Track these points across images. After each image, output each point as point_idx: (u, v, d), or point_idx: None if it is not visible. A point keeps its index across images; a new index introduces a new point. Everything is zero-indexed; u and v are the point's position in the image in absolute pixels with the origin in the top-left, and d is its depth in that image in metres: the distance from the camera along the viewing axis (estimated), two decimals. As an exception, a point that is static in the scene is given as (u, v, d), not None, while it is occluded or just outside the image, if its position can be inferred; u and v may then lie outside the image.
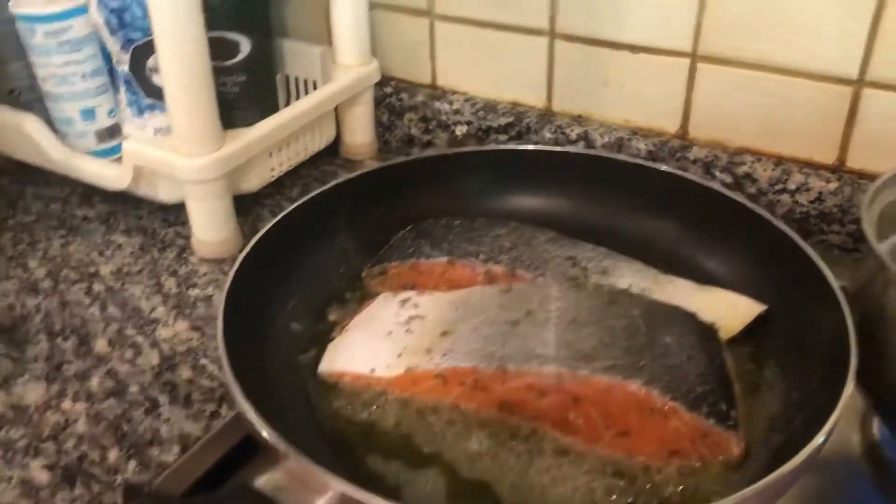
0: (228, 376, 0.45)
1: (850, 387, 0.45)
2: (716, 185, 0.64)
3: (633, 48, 0.76)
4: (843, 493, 0.54)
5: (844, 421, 0.55)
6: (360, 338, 0.56)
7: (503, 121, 0.84)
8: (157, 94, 0.76)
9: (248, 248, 0.56)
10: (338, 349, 0.56)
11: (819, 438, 0.43)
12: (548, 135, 0.82)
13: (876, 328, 0.49)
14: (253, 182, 0.78)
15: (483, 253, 0.60)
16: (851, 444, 0.56)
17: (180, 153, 0.70)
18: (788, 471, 0.41)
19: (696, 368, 0.49)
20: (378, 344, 0.54)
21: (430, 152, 0.81)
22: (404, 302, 0.57)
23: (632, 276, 0.58)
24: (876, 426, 0.57)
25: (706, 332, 0.52)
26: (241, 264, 0.55)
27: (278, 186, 0.84)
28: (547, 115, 0.83)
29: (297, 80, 0.93)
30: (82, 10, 0.76)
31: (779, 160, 0.74)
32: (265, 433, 0.41)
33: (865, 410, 0.57)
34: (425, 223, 0.64)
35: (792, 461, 0.42)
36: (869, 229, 0.49)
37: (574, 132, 0.81)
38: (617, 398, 0.49)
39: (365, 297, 0.61)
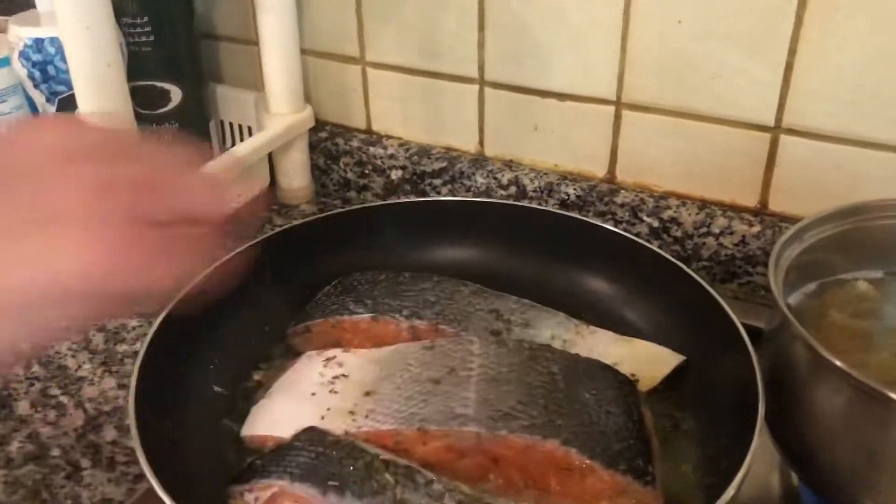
0: (140, 455, 0.45)
1: (756, 441, 0.46)
2: (635, 237, 0.65)
3: (560, 96, 0.78)
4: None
5: (762, 468, 0.57)
6: (283, 400, 0.55)
7: (437, 165, 0.85)
8: (84, 146, 0.75)
9: (168, 308, 0.56)
10: (260, 413, 0.55)
11: (729, 492, 0.44)
12: (480, 179, 0.83)
13: (784, 378, 0.51)
14: (183, 233, 0.77)
15: (407, 308, 0.60)
16: (771, 491, 0.57)
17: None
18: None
19: (614, 425, 0.50)
20: (301, 406, 0.54)
21: (354, 205, 0.81)
22: (328, 360, 0.57)
23: (554, 328, 0.59)
24: (794, 475, 0.58)
25: (624, 386, 0.53)
26: (160, 325, 0.54)
27: (212, 235, 0.84)
28: (479, 160, 0.84)
29: (231, 124, 0.93)
30: (5, 61, 0.75)
31: (703, 203, 0.76)
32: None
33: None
34: (350, 277, 0.64)
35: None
36: (775, 286, 0.50)
37: (505, 177, 0.82)
38: (535, 457, 0.49)
39: (290, 355, 0.61)
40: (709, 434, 0.52)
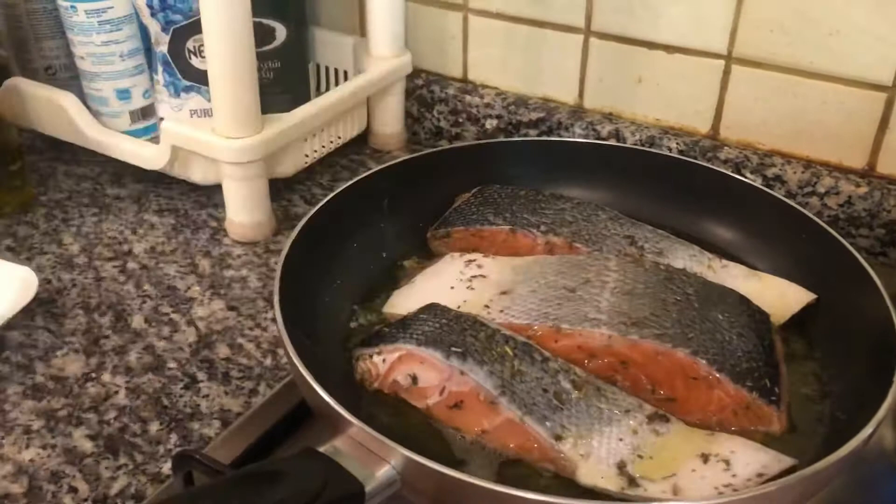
0: (290, 350, 0.46)
1: (897, 385, 0.45)
2: (760, 185, 0.65)
3: (668, 48, 0.77)
4: (877, 490, 0.55)
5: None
6: (424, 288, 0.58)
7: (534, 116, 0.85)
8: (194, 76, 0.76)
9: (301, 223, 0.57)
10: (402, 295, 0.59)
11: (868, 429, 0.44)
12: (578, 131, 0.83)
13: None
14: (288, 167, 0.78)
15: (544, 224, 0.62)
16: (885, 441, 0.57)
17: (220, 134, 0.71)
18: (836, 460, 0.42)
19: (745, 346, 0.51)
20: (440, 295, 0.56)
21: (470, 142, 0.81)
22: (469, 262, 0.60)
23: (687, 260, 0.59)
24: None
25: (758, 314, 0.54)
26: (295, 240, 0.55)
27: (309, 173, 0.85)
28: (578, 112, 0.84)
29: (327, 69, 0.94)
30: (124, -12, 0.76)
31: (808, 163, 0.75)
32: (332, 405, 0.42)
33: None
34: (490, 188, 0.66)
35: (840, 450, 0.42)
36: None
37: (605, 129, 0.82)
38: (664, 364, 0.50)
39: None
40: (839, 374, 0.52)
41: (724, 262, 0.60)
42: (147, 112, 0.83)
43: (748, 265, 0.61)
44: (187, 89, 0.78)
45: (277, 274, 0.52)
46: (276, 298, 0.50)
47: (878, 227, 0.72)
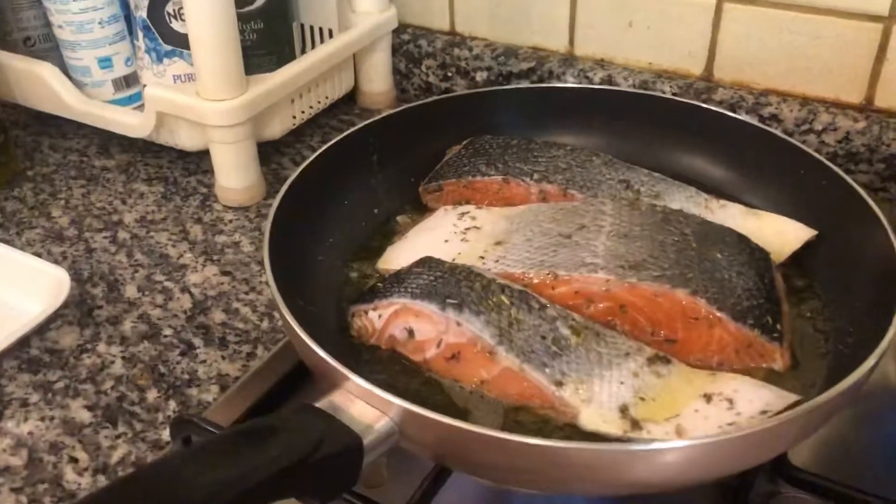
0: (283, 309, 0.45)
1: (901, 310, 0.45)
2: (756, 123, 0.64)
3: (659, -11, 0.76)
4: (882, 419, 0.55)
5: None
6: (417, 242, 0.58)
7: (524, 66, 0.83)
8: (176, 40, 0.75)
9: (289, 182, 0.56)
10: (396, 250, 0.58)
11: (871, 361, 0.43)
12: (571, 79, 0.81)
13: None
14: (276, 129, 0.77)
15: (538, 172, 0.61)
16: (888, 374, 0.57)
17: (205, 98, 0.70)
18: (838, 393, 0.41)
19: (745, 284, 0.50)
20: (434, 249, 0.55)
21: (458, 92, 0.80)
22: (463, 214, 0.59)
23: (684, 202, 0.58)
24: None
25: (757, 252, 0.53)
26: (283, 198, 0.54)
27: (298, 135, 0.83)
28: (569, 60, 0.82)
29: (311, 28, 0.92)
30: (101, -46, 0.74)
31: (805, 100, 0.74)
32: (327, 359, 0.41)
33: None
34: (481, 139, 0.65)
35: (842, 382, 0.41)
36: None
37: (598, 76, 0.80)
38: (664, 306, 0.49)
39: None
40: (841, 308, 0.51)
41: (722, 201, 0.59)
42: (130, 80, 0.81)
43: (746, 204, 0.59)
44: (169, 54, 0.76)
45: (266, 234, 0.51)
46: (266, 259, 0.49)
47: (878, 161, 0.71)
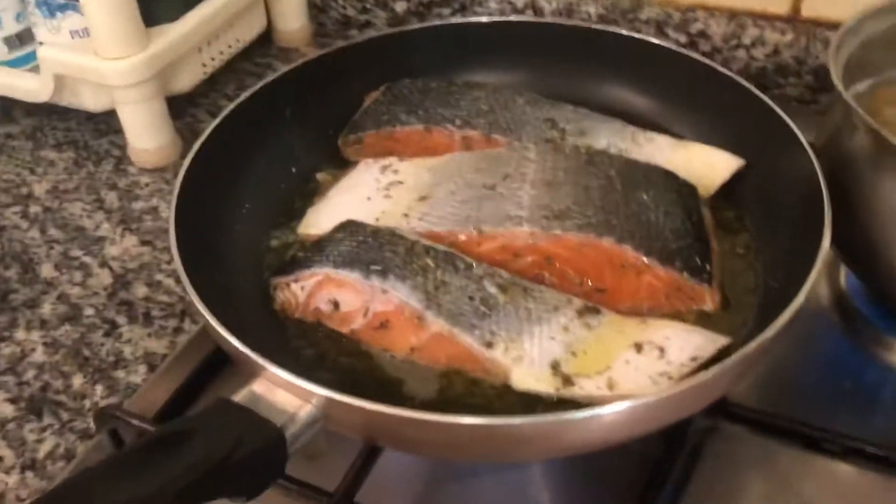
0: (193, 296, 0.43)
1: (826, 244, 0.44)
2: (675, 46, 0.61)
3: None
4: (815, 344, 0.55)
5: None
6: (339, 202, 0.55)
7: (445, -7, 0.80)
8: (67, -8, 0.69)
9: (194, 149, 0.53)
10: (317, 213, 0.55)
11: (800, 298, 0.42)
12: (493, 5, 0.78)
13: (844, 178, 0.49)
14: (185, 81, 0.73)
15: (459, 118, 0.58)
16: (820, 296, 0.57)
17: (103, 56, 0.65)
18: (770, 336, 0.40)
19: (672, 224, 0.49)
20: (357, 208, 0.53)
21: (371, 33, 0.76)
22: (385, 168, 0.56)
23: (610, 136, 0.56)
24: (843, 277, 0.57)
25: (684, 188, 0.52)
26: (189, 168, 0.51)
27: (212, 84, 0.79)
28: (490, -16, 0.79)
29: (218, -35, 0.86)
30: None
31: (732, 14, 0.72)
32: (240, 348, 0.40)
33: (832, 262, 0.58)
34: (400, 84, 0.61)
35: (773, 324, 0.41)
36: (836, 75, 0.48)
37: (521, 0, 0.77)
38: (590, 255, 0.48)
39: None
40: (770, 238, 0.51)
41: (649, 133, 0.57)
42: (24, 37, 0.76)
43: (674, 135, 0.58)
44: (62, 7, 0.71)
45: (172, 207, 0.48)
46: (171, 236, 0.46)
47: (807, 73, 0.70)
